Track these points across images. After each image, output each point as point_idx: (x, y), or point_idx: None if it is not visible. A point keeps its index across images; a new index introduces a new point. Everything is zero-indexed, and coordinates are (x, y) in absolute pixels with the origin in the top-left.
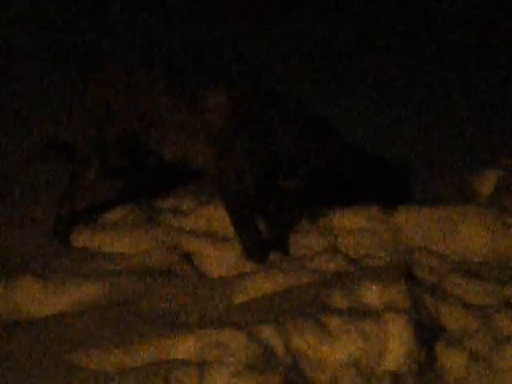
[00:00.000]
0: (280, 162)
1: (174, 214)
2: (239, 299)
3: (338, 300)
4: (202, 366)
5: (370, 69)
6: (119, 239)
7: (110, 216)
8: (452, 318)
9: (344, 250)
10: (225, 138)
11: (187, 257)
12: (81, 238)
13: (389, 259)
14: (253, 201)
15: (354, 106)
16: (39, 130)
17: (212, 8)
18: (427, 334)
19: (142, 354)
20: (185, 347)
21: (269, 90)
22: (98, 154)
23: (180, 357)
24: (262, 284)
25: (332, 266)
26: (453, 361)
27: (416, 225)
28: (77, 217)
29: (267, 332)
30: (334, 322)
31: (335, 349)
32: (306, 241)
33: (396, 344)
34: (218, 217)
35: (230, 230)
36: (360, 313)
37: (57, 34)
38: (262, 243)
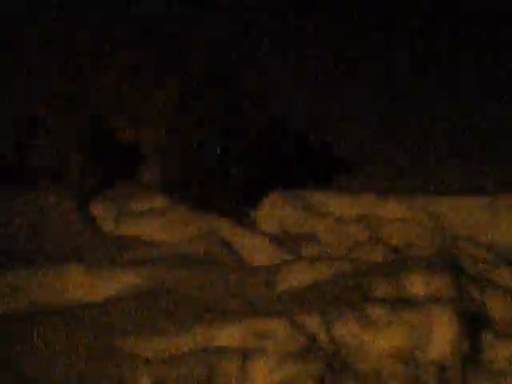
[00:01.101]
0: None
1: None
2: (282, 288)
3: (382, 290)
4: (245, 353)
5: None
6: (160, 227)
7: (150, 205)
8: (498, 308)
9: (386, 240)
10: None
11: (227, 245)
12: (123, 227)
13: (433, 249)
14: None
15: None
16: None
17: None
18: (472, 324)
19: (184, 341)
20: (228, 335)
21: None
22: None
23: (223, 344)
24: (305, 273)
25: (375, 255)
26: (498, 351)
27: (460, 214)
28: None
29: (310, 321)
30: (378, 312)
31: (378, 339)
32: (348, 230)
33: (440, 334)
34: (260, 207)
35: (267, 220)
36: (404, 303)
37: None
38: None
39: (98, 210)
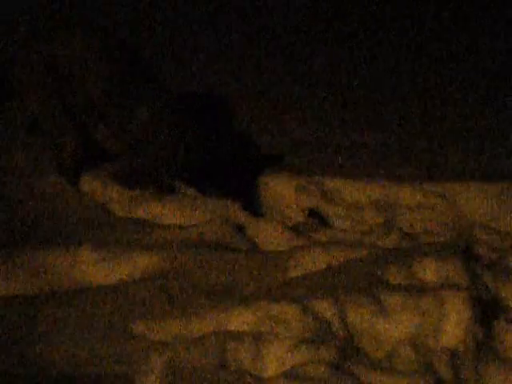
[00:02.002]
0: None
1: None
2: (295, 273)
3: (395, 276)
4: (257, 338)
5: None
6: (175, 211)
7: (165, 189)
8: (511, 296)
9: (401, 226)
10: None
11: (240, 230)
12: (138, 210)
13: (447, 235)
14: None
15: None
16: None
17: None
18: (486, 311)
19: (198, 325)
20: (240, 319)
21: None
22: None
23: (235, 329)
24: (318, 258)
25: (388, 241)
26: (511, 338)
27: (475, 201)
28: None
29: (323, 306)
30: (391, 298)
31: (391, 325)
32: (363, 216)
33: (454, 321)
34: (268, 192)
35: (280, 206)
36: (417, 289)
37: None
38: None
39: (110, 193)
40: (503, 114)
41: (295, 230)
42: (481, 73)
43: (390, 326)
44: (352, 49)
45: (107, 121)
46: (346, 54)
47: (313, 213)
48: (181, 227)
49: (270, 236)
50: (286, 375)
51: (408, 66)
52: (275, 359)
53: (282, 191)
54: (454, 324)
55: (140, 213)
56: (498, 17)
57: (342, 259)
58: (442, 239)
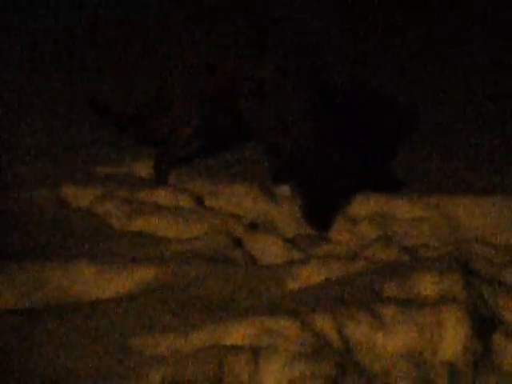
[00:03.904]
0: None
1: (221, 199)
2: (292, 286)
3: (392, 290)
4: (255, 352)
5: None
6: (173, 224)
7: (163, 200)
8: (510, 310)
9: (398, 239)
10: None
11: (237, 242)
12: (135, 222)
13: (445, 249)
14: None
15: None
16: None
17: None
18: (484, 325)
19: (195, 339)
20: (238, 333)
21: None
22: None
23: (233, 343)
24: (315, 272)
25: (386, 255)
26: (510, 352)
27: (474, 214)
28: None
29: (320, 320)
30: (388, 312)
31: (389, 339)
32: (359, 229)
33: (452, 335)
34: (265, 204)
35: (277, 217)
36: (415, 303)
37: None
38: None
39: (107, 205)
40: None
41: (293, 243)
42: None
43: (388, 340)
44: None
45: None
46: None
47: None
48: (179, 240)
49: (267, 249)
50: None
51: None
52: (273, 373)
53: (278, 203)
54: (452, 338)
55: (138, 225)
56: None
57: (340, 273)
58: (439, 253)
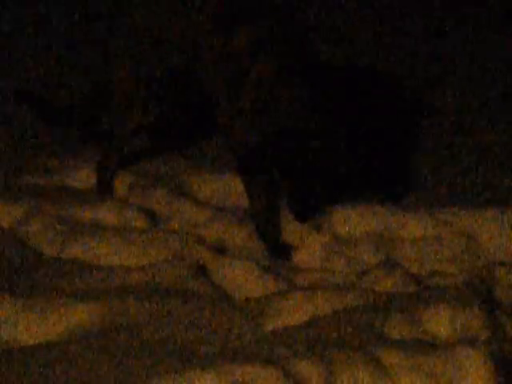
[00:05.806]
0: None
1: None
2: (271, 326)
3: (398, 328)
4: None
5: None
6: (119, 249)
7: (107, 218)
8: None
9: (405, 265)
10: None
11: (203, 271)
12: (73, 248)
13: (461, 276)
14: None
15: None
16: None
17: None
18: (510, 370)
19: None
20: None
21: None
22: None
23: None
24: (300, 307)
25: (389, 284)
26: None
27: (495, 233)
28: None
29: (306, 368)
30: (392, 357)
31: None
32: (357, 252)
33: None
34: (234, 222)
35: (249, 238)
36: (425, 345)
37: None
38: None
39: (34, 225)
40: None
41: (271, 271)
42: None
43: None
44: None
45: None
46: None
47: (294, 248)
48: (128, 269)
49: (239, 279)
50: None
51: None
52: None
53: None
54: None
55: (74, 251)
56: None
57: (330, 308)
58: (454, 281)
